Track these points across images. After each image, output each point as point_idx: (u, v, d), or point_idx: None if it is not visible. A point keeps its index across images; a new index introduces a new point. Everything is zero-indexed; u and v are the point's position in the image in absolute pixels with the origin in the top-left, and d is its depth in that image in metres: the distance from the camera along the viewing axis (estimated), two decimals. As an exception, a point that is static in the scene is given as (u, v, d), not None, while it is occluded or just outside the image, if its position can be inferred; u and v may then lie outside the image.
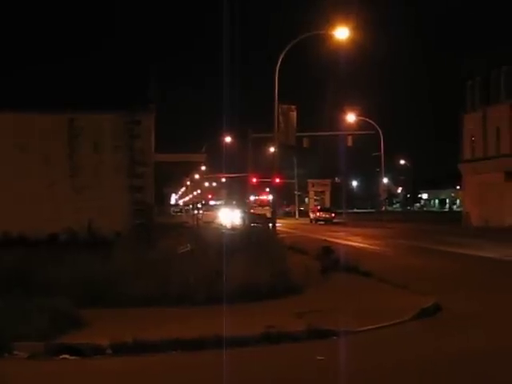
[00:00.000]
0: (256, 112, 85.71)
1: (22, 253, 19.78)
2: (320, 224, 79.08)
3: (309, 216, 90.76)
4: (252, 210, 75.64)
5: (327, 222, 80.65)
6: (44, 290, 15.09)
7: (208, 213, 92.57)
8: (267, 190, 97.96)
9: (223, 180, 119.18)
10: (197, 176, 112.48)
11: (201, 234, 29.53)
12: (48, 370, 11.59)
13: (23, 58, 36.63)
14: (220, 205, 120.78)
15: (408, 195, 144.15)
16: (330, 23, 36.32)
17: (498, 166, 64.26)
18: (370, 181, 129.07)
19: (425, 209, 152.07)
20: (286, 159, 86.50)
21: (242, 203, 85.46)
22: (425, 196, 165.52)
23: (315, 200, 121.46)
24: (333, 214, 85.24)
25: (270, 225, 38.42)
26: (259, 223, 40.66)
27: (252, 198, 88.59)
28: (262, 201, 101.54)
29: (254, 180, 76.72)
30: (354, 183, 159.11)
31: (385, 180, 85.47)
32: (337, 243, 35.74)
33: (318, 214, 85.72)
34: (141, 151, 35.94)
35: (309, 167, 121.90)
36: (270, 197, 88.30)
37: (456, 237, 46.43)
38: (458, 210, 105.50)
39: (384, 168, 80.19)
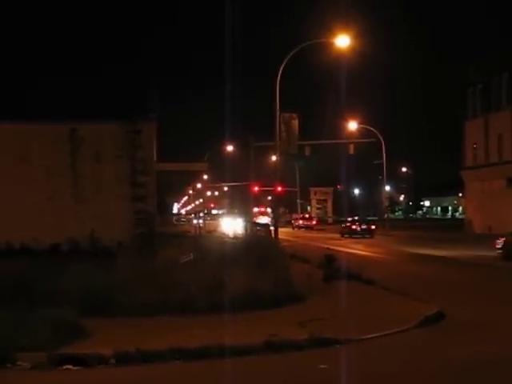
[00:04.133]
0: (258, 120, 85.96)
1: (25, 263, 19.78)
2: (308, 231, 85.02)
3: (291, 224, 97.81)
4: (254, 218, 76.19)
5: (307, 228, 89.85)
6: (47, 300, 15.07)
7: (210, 222, 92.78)
8: (269, 198, 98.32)
9: (225, 189, 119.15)
10: (199, 185, 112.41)
11: (203, 243, 29.50)
12: (51, 381, 11.58)
13: (24, 69, 36.89)
14: (222, 214, 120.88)
15: (410, 203, 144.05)
16: (330, 31, 36.37)
17: (500, 173, 64.16)
18: (372, 188, 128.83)
19: (427, 216, 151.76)
20: (288, 167, 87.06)
21: (245, 212, 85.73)
22: (427, 203, 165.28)
23: (317, 208, 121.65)
24: (313, 222, 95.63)
25: (272, 229, 38.43)
26: (261, 230, 40.74)
27: (256, 209, 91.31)
28: (262, 212, 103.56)
29: (256, 189, 76.85)
30: (356, 191, 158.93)
31: (387, 188, 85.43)
32: (339, 251, 35.67)
33: (300, 221, 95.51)
34: (142, 161, 35.90)
35: (311, 175, 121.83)
36: (269, 209, 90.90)
37: (458, 244, 46.42)
38: (461, 217, 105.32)
39: (386, 176, 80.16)
